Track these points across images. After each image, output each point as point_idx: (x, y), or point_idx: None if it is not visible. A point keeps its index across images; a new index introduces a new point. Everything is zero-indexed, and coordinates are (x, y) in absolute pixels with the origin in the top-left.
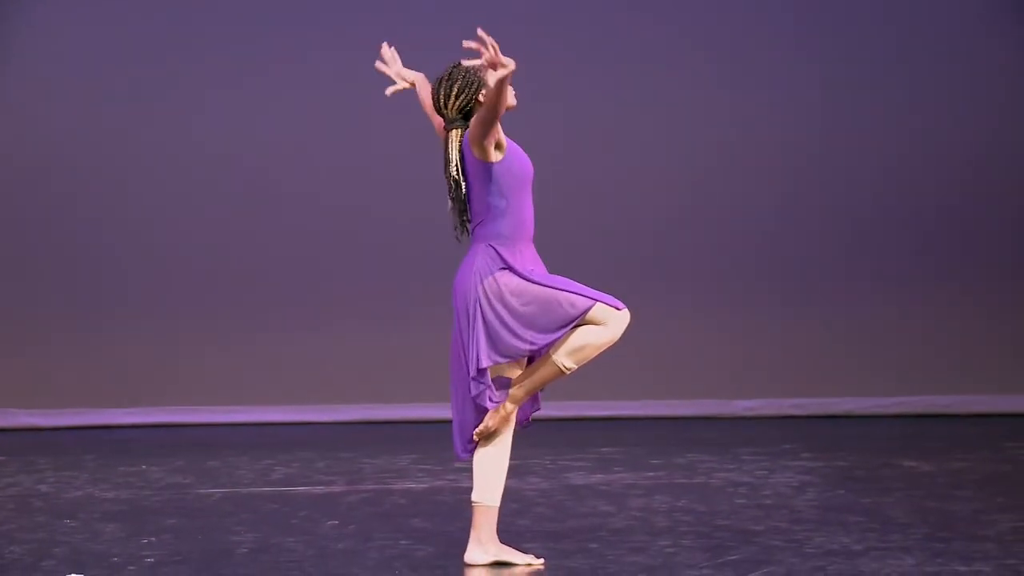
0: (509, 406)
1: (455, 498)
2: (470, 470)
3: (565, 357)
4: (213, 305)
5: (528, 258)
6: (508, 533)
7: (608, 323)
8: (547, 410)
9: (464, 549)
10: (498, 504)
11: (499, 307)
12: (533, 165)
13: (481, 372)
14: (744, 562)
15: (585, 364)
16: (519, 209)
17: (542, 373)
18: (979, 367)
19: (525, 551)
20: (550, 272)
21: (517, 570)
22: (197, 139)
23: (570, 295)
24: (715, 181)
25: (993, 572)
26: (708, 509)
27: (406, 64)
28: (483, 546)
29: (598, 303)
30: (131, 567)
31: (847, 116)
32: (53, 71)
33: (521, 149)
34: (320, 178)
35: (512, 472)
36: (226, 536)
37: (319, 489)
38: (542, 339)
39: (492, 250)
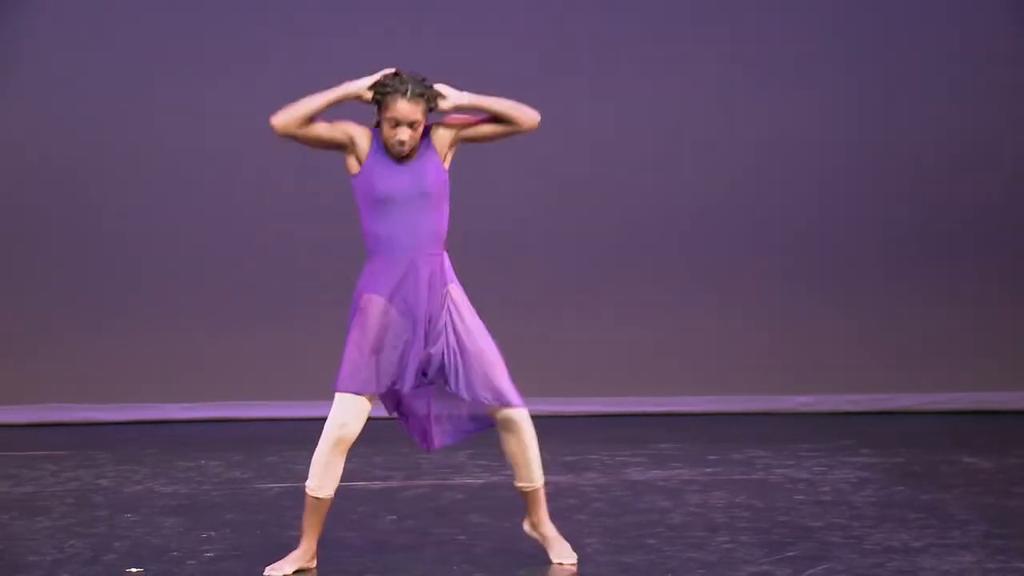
0: None
1: (513, 493)
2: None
3: None
4: (271, 299)
5: (383, 280)
6: (566, 529)
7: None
8: (603, 406)
9: (522, 544)
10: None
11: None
12: (407, 188)
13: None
14: (802, 558)
15: None
16: (374, 227)
17: None
18: None
19: (583, 546)
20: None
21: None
22: (201, 137)
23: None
24: (764, 176)
25: None
26: (766, 505)
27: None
28: (537, 528)
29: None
30: (190, 561)
31: (909, 109)
32: (54, 70)
33: (388, 171)
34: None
35: (570, 467)
36: (285, 531)
37: (377, 484)
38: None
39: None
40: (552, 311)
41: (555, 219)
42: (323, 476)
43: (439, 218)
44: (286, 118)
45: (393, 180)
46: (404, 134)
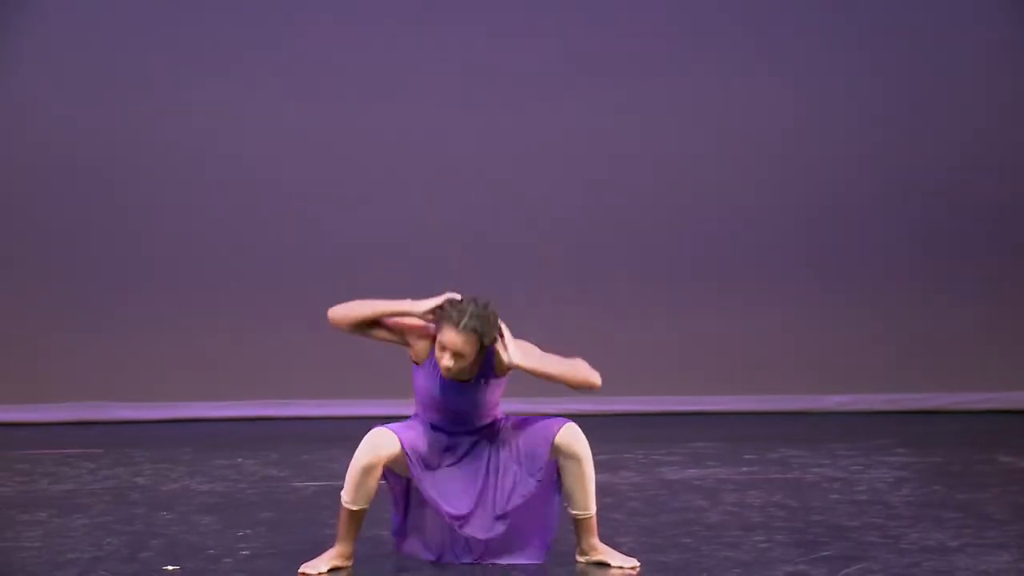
0: None
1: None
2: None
3: None
4: (304, 297)
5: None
6: (602, 528)
7: None
8: (638, 405)
9: (559, 543)
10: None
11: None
12: (457, 403)
13: None
14: (838, 558)
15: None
16: (423, 412)
17: None
18: None
19: (619, 545)
20: None
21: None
22: (207, 137)
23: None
24: (793, 175)
25: None
26: (802, 505)
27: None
28: (589, 553)
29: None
30: (226, 559)
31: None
32: (55, 70)
33: (440, 385)
34: (338, 172)
35: (605, 466)
36: (321, 529)
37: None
38: None
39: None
40: (586, 308)
41: (595, 216)
42: (356, 492)
43: (489, 416)
44: (341, 317)
45: (446, 393)
46: (448, 361)
